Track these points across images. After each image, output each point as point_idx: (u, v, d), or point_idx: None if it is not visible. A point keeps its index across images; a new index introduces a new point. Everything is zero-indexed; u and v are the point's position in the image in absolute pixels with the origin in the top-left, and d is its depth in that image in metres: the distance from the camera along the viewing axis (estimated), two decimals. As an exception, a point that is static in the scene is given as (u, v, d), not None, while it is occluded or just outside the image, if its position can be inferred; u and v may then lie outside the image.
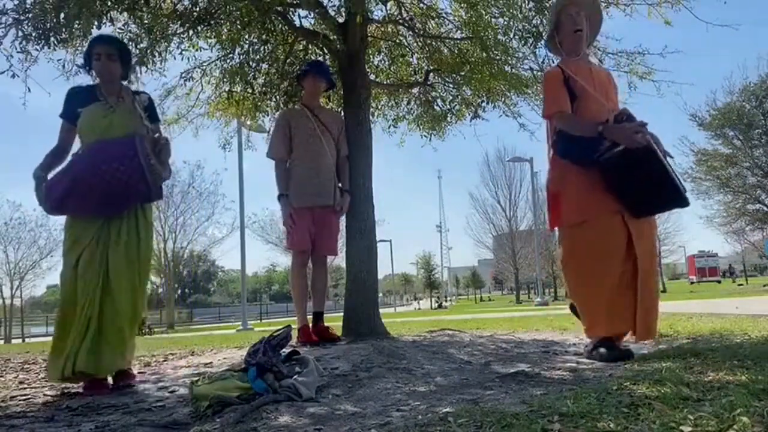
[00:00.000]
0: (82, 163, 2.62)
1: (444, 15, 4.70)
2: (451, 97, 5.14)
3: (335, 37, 4.15)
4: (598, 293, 2.66)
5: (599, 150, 2.58)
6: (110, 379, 2.66)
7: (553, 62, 4.41)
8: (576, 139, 2.68)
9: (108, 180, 2.49)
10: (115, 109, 2.70)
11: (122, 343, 2.60)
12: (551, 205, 2.88)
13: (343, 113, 4.20)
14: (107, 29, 3.60)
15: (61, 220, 2.76)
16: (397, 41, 4.97)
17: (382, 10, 4.55)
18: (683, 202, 2.66)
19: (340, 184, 3.84)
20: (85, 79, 4.22)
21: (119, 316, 2.57)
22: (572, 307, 3.07)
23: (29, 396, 2.53)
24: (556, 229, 2.95)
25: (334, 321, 3.89)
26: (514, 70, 4.63)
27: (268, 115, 5.03)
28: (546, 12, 4.00)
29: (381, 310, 4.13)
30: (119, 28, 3.79)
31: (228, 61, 4.51)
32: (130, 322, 2.65)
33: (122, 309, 2.58)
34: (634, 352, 2.67)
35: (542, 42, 4.04)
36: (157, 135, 2.74)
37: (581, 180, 2.69)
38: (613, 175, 2.61)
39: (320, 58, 4.81)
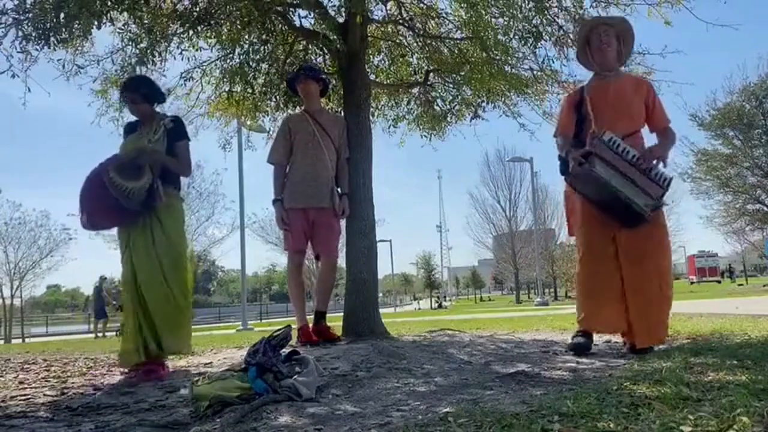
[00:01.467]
0: (81, 189, 2.95)
1: (444, 15, 4.70)
2: (451, 97, 5.14)
3: (335, 37, 4.15)
4: (583, 290, 2.99)
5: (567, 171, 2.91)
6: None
7: (553, 61, 4.47)
8: (562, 159, 3.00)
9: (87, 198, 2.89)
10: (143, 137, 3.07)
11: (165, 330, 2.88)
12: (567, 215, 3.27)
13: (343, 113, 4.20)
14: (107, 29, 3.61)
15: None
16: (397, 41, 4.97)
17: (382, 10, 4.56)
18: (641, 219, 2.72)
19: (338, 189, 3.84)
20: (84, 79, 4.26)
21: (145, 312, 2.88)
22: None
23: (29, 396, 2.52)
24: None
25: (334, 321, 3.89)
26: (514, 70, 4.63)
27: (268, 115, 5.04)
28: (546, 12, 4.00)
29: (381, 310, 4.13)
30: (119, 28, 3.79)
31: (228, 61, 4.52)
32: (157, 316, 2.88)
33: (149, 305, 2.87)
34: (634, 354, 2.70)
35: (541, 43, 4.07)
36: (125, 152, 3.00)
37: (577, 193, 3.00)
38: (580, 193, 2.95)
39: (320, 58, 4.81)
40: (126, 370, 2.98)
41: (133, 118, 3.23)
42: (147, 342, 2.85)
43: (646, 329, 2.81)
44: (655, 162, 2.75)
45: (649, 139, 3.05)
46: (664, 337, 2.92)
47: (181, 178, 3.22)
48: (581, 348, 2.91)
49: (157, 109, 3.23)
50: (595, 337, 3.20)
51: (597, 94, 2.97)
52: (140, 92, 3.10)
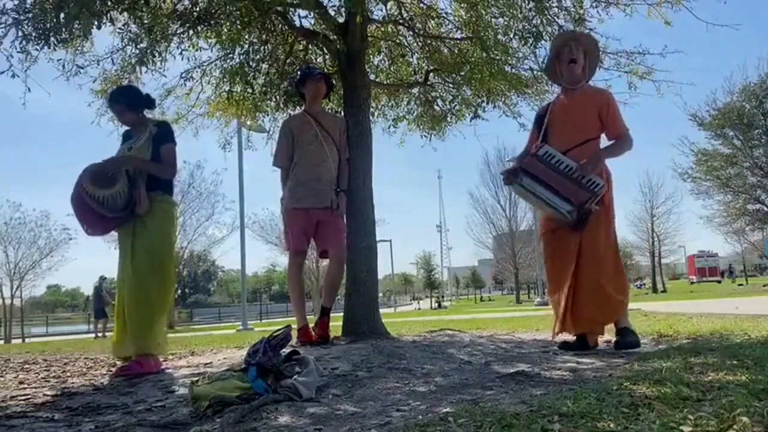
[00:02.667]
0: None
1: (444, 15, 4.70)
2: (451, 97, 5.14)
3: (335, 37, 4.15)
4: (558, 298, 3.10)
5: None
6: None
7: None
8: None
9: (76, 211, 2.99)
10: (134, 143, 3.16)
11: (131, 330, 2.99)
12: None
13: (343, 113, 4.20)
14: (107, 29, 3.61)
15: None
16: (397, 41, 4.97)
17: (382, 10, 4.56)
18: (570, 224, 2.97)
19: (337, 187, 3.84)
20: (84, 79, 4.26)
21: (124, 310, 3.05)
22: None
23: (29, 396, 2.52)
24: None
25: (334, 321, 3.89)
26: (514, 70, 4.63)
27: (268, 115, 5.04)
28: (546, 12, 4.00)
29: (381, 310, 4.13)
30: (119, 28, 3.79)
31: (228, 61, 4.51)
32: (132, 315, 2.99)
33: (126, 306, 3.02)
34: (639, 353, 2.70)
35: (541, 43, 4.08)
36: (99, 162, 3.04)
37: None
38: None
39: (320, 58, 4.81)
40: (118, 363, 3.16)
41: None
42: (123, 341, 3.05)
43: (572, 318, 2.98)
44: (588, 170, 2.93)
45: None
46: (585, 329, 3.06)
47: (175, 181, 3.35)
48: (567, 346, 3.13)
49: (149, 114, 3.36)
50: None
51: (558, 107, 3.20)
52: (122, 103, 3.20)
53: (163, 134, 3.19)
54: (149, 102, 3.33)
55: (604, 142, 3.15)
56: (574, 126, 3.11)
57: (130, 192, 2.99)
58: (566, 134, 3.11)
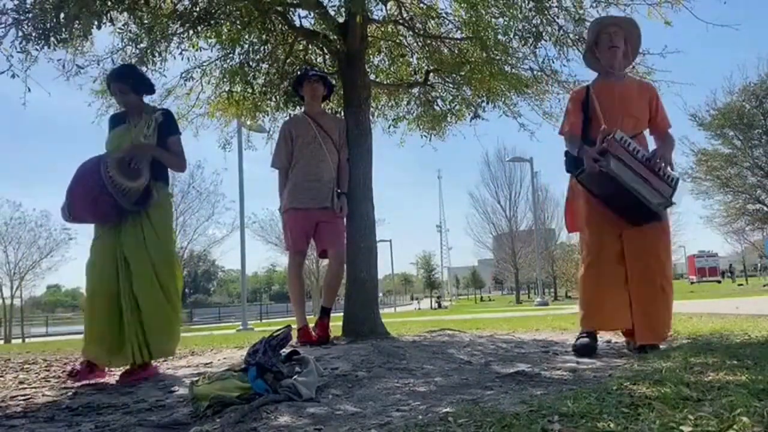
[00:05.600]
0: (71, 179, 2.85)
1: (444, 15, 4.69)
2: (451, 97, 5.14)
3: (335, 37, 4.15)
4: (591, 290, 2.94)
5: (579, 168, 2.86)
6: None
7: (553, 61, 4.47)
8: (572, 157, 2.97)
9: (82, 193, 2.80)
10: (133, 130, 2.98)
11: (136, 337, 2.78)
12: (566, 211, 3.29)
13: (343, 113, 4.20)
14: (107, 29, 3.61)
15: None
16: (397, 41, 4.96)
17: (382, 10, 4.55)
18: (654, 217, 2.79)
19: (338, 189, 3.84)
20: (84, 79, 4.26)
21: (136, 313, 2.80)
22: None
23: (29, 396, 2.52)
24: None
25: (334, 321, 3.90)
26: (514, 70, 4.63)
27: (268, 115, 5.04)
28: (546, 12, 4.01)
29: (381, 310, 4.13)
30: (119, 28, 3.80)
31: (228, 61, 4.51)
32: (149, 318, 2.81)
33: (142, 306, 2.80)
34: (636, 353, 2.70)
35: (541, 43, 4.07)
36: (123, 149, 2.89)
37: (583, 191, 2.96)
38: (588, 190, 2.90)
39: (320, 58, 4.81)
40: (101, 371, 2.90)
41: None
42: (134, 346, 2.76)
43: (648, 325, 2.81)
44: (663, 163, 2.78)
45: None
46: (666, 335, 2.95)
47: (174, 180, 3.25)
48: (588, 348, 2.87)
49: (145, 100, 3.16)
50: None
51: (603, 94, 2.98)
52: (129, 83, 3.01)
53: (171, 124, 3.08)
54: (152, 88, 3.21)
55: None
56: (629, 115, 2.94)
57: (148, 186, 2.86)
58: (621, 123, 2.88)
